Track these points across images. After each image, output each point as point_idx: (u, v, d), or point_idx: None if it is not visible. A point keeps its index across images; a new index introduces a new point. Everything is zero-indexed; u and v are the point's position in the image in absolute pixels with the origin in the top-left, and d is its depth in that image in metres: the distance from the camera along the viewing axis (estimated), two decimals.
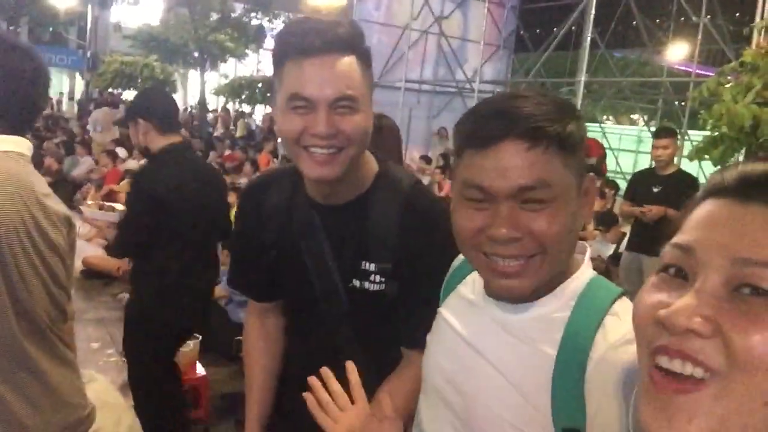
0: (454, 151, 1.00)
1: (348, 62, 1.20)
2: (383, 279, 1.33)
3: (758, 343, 0.53)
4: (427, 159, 10.58)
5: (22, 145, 1.41)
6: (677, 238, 0.62)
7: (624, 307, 0.92)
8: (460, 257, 1.16)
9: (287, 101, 1.21)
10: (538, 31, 15.00)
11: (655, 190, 4.74)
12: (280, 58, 1.23)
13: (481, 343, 1.01)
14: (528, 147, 0.88)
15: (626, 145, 15.52)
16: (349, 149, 1.22)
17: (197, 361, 3.76)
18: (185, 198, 2.77)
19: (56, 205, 1.46)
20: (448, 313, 1.11)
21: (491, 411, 0.97)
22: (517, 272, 0.92)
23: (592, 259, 5.06)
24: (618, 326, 0.89)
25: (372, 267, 1.33)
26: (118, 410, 1.75)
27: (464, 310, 1.07)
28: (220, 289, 4.71)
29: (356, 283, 1.35)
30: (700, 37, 10.79)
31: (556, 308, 0.95)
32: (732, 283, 0.56)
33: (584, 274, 0.98)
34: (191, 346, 3.69)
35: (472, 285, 1.09)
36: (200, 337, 3.82)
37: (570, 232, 0.92)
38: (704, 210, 0.62)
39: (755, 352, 0.53)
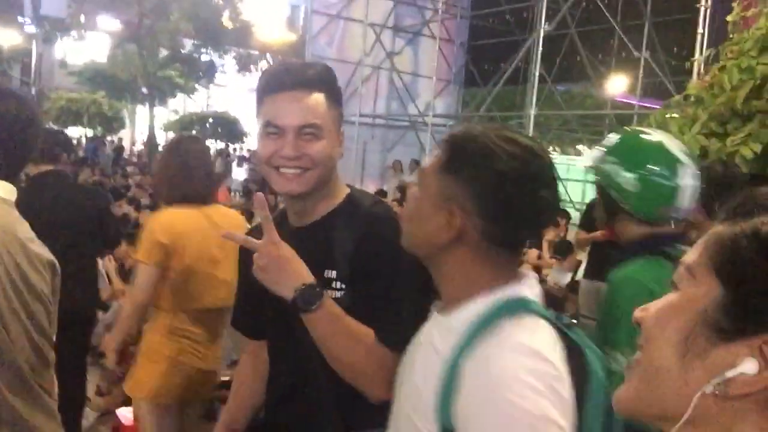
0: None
1: (315, 97, 1.44)
2: (342, 285, 1.44)
3: (654, 320, 0.69)
4: (382, 192, 10.65)
5: (6, 189, 1.39)
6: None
7: (522, 327, 1.01)
8: None
9: (263, 128, 1.45)
10: (486, 66, 15.40)
11: None
12: (260, 95, 1.48)
13: (421, 349, 1.16)
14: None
15: (574, 175, 15.94)
16: (314, 170, 1.43)
17: None
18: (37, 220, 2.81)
19: (40, 249, 1.43)
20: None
21: (404, 411, 1.12)
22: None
23: (550, 287, 5.14)
24: (492, 337, 0.99)
25: (333, 274, 1.44)
26: None
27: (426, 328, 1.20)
28: None
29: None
30: (641, 71, 11.27)
31: (467, 317, 1.05)
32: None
33: (498, 295, 1.07)
34: None
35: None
36: None
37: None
38: None
39: (650, 326, 0.69)
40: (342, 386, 1.37)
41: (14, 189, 1.42)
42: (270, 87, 1.46)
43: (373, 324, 1.37)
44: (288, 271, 1.32)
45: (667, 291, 0.71)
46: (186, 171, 2.66)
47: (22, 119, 1.43)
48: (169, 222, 2.63)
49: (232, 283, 2.14)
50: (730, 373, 0.61)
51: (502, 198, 1.05)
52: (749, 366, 0.61)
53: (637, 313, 0.70)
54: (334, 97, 1.49)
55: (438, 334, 1.10)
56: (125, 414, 3.56)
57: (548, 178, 1.09)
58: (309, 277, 1.33)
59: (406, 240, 1.18)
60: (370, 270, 1.40)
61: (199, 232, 2.62)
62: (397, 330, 1.30)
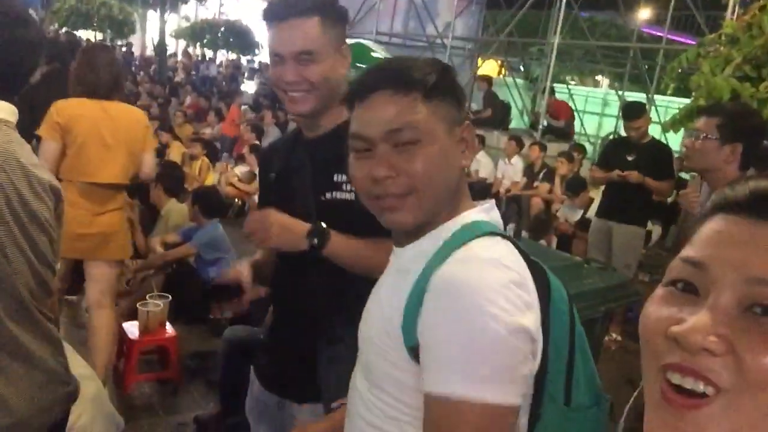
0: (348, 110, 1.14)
1: (309, 23, 1.54)
2: (353, 188, 1.47)
3: None
4: None
5: (7, 110, 1.30)
6: (688, 252, 0.62)
7: (480, 243, 1.00)
8: None
9: (270, 56, 1.61)
10: None
11: (630, 158, 4.76)
12: (267, 25, 1.59)
13: (380, 287, 1.14)
14: (393, 92, 1.02)
15: (592, 108, 15.61)
16: (315, 92, 1.57)
17: (167, 321, 3.69)
18: None
19: (42, 173, 1.36)
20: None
21: (374, 344, 1.06)
22: (397, 207, 1.04)
23: (560, 224, 5.13)
24: (462, 251, 0.98)
25: (343, 177, 1.57)
26: (84, 381, 1.72)
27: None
28: (188, 247, 4.62)
29: (329, 195, 1.60)
30: (673, 1, 10.79)
31: (431, 243, 1.04)
32: (744, 303, 0.57)
33: (468, 217, 1.07)
34: (160, 306, 3.61)
35: None
36: (169, 297, 3.74)
37: (441, 173, 1.04)
38: (715, 225, 0.62)
39: (766, 371, 0.55)
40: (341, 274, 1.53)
41: (15, 110, 1.33)
42: (270, 17, 1.57)
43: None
44: (291, 228, 1.52)
45: None
46: (89, 69, 3.17)
47: (32, 43, 1.33)
48: (65, 106, 3.12)
49: (124, 166, 3.21)
50: None
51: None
52: None
53: (711, 339, 0.58)
54: (332, 19, 1.58)
55: (407, 260, 1.08)
56: (130, 328, 3.59)
57: None
58: (307, 225, 1.52)
59: (429, 209, 1.06)
60: None
61: (92, 118, 3.13)
62: None
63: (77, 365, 1.80)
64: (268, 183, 1.79)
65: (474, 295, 0.92)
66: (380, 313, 1.07)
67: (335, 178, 1.60)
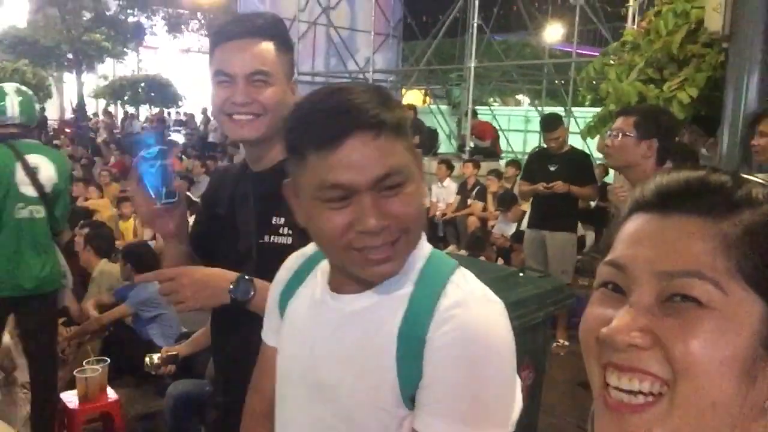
0: (292, 152, 0.99)
1: (264, 45, 1.49)
2: (291, 231, 1.49)
3: (695, 348, 0.56)
4: None
5: None
6: (610, 256, 0.65)
7: (461, 277, 0.99)
8: (291, 263, 1.21)
9: (214, 77, 1.50)
10: (424, 18, 15.17)
11: (552, 168, 4.93)
12: (211, 46, 1.53)
13: (336, 337, 1.02)
14: (374, 136, 0.92)
15: (515, 126, 16.07)
16: (265, 116, 1.49)
17: (107, 386, 3.54)
18: None
19: None
20: (292, 319, 1.13)
21: (358, 399, 0.99)
22: (389, 257, 0.96)
23: (497, 239, 5.27)
24: (455, 292, 0.96)
25: (281, 221, 1.50)
26: None
27: (310, 312, 1.08)
28: (125, 308, 4.47)
29: (267, 238, 1.52)
30: (577, 18, 11.31)
31: (400, 285, 0.99)
32: (662, 296, 0.59)
33: (424, 249, 1.03)
34: (99, 370, 3.47)
35: (313, 286, 1.11)
36: (108, 360, 3.60)
37: (422, 208, 1.01)
38: (630, 226, 0.64)
39: (693, 357, 0.56)
40: None
41: None
42: (220, 37, 1.50)
43: None
44: (211, 284, 1.43)
45: None
46: None
47: None
48: None
49: None
50: None
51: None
52: None
53: (635, 334, 0.59)
54: (284, 45, 1.54)
55: (366, 305, 1.00)
56: (70, 397, 3.44)
57: None
58: (230, 276, 1.43)
59: (417, 240, 1.02)
60: None
61: None
62: None
63: None
64: (214, 216, 1.70)
65: (489, 340, 0.93)
66: (355, 367, 0.99)
67: (273, 221, 1.52)
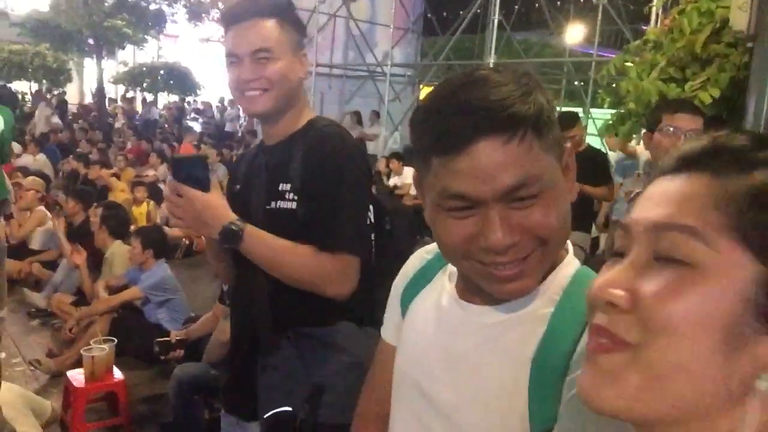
0: (418, 156, 0.87)
1: (265, 23, 1.56)
2: (295, 197, 1.57)
3: (675, 307, 0.52)
4: None
5: None
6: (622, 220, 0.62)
7: None
8: (416, 261, 1.11)
9: (227, 59, 1.60)
10: (444, 14, 15.11)
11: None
12: (224, 32, 1.61)
13: (458, 351, 0.92)
14: (506, 140, 0.79)
15: None
16: (273, 90, 1.57)
17: (113, 366, 3.55)
18: None
19: None
20: (414, 321, 1.03)
21: (475, 421, 0.89)
22: (518, 274, 0.84)
23: None
24: None
25: (287, 186, 1.58)
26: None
27: (436, 318, 0.98)
28: (135, 291, 4.48)
29: (274, 204, 1.59)
30: (599, 18, 11.19)
31: (540, 304, 0.87)
32: (653, 254, 0.56)
33: (570, 265, 0.91)
34: (106, 350, 3.48)
35: (440, 288, 1.00)
36: (115, 340, 3.61)
37: (565, 218, 0.85)
38: (647, 190, 0.62)
39: (670, 320, 0.52)
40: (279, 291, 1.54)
41: None
42: (226, 21, 1.60)
43: (317, 232, 1.52)
44: (205, 219, 1.50)
45: None
46: None
47: None
48: None
49: None
50: None
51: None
52: None
53: (615, 292, 0.56)
54: (288, 20, 1.60)
55: (501, 322, 0.89)
56: (76, 376, 3.45)
57: None
58: (225, 218, 1.50)
59: (556, 252, 0.89)
60: (314, 182, 1.54)
61: None
62: (338, 235, 1.50)
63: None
64: (233, 194, 1.77)
65: None
66: (474, 389, 0.89)
67: (280, 187, 1.59)
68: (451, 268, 1.01)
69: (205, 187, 1.51)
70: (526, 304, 0.88)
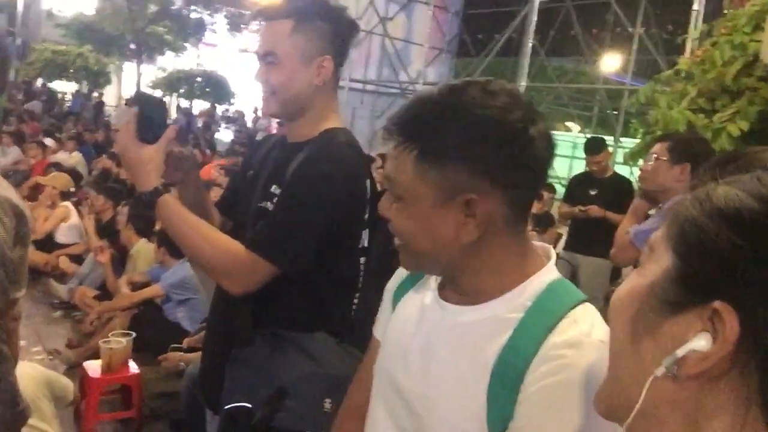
0: None
1: (280, 25, 1.53)
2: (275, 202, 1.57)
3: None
4: (369, 158, 10.55)
5: None
6: None
7: (584, 313, 0.89)
8: None
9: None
10: (480, 36, 15.18)
11: (593, 192, 4.87)
12: None
13: (433, 348, 0.97)
14: (397, 143, 0.93)
15: (562, 151, 15.91)
16: (275, 96, 1.56)
17: (130, 359, 3.61)
18: None
19: (4, 191, 1.35)
20: (399, 318, 1.08)
21: (441, 416, 0.93)
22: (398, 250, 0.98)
23: None
24: (570, 328, 0.86)
25: (278, 191, 1.56)
26: None
27: (417, 316, 1.03)
28: (156, 288, 4.56)
29: (261, 203, 1.59)
30: (634, 47, 11.17)
31: (510, 308, 0.91)
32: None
33: (545, 275, 0.94)
34: (123, 343, 3.55)
35: (426, 288, 1.06)
36: (134, 334, 3.68)
37: (420, 236, 0.93)
38: None
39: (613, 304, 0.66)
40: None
41: None
42: (257, 20, 1.66)
43: (254, 230, 1.54)
44: (140, 174, 1.47)
45: None
46: None
47: None
48: None
49: None
50: (680, 351, 0.55)
51: (515, 152, 0.87)
52: (701, 341, 0.54)
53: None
54: (305, 23, 1.54)
55: (470, 324, 0.94)
56: (93, 366, 3.52)
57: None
58: (150, 183, 1.46)
59: (423, 264, 0.99)
60: (284, 191, 1.54)
61: None
62: (263, 237, 1.48)
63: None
64: (245, 177, 1.76)
65: (588, 387, 0.81)
66: (451, 387, 0.93)
67: (272, 189, 1.58)
68: None
69: (156, 134, 1.48)
70: (498, 306, 0.93)
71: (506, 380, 0.86)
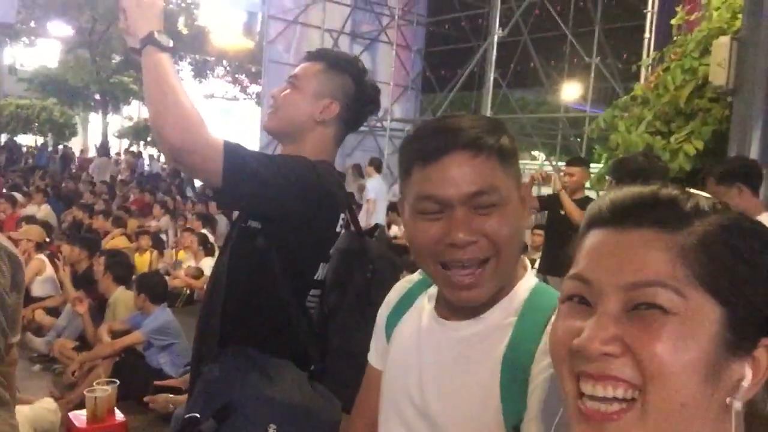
0: (402, 172, 1.05)
1: (313, 64, 1.74)
2: (258, 224, 1.57)
3: (662, 351, 0.61)
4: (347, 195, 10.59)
5: None
6: (573, 270, 0.69)
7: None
8: (399, 289, 1.23)
9: None
10: (443, 72, 15.54)
11: (563, 212, 5.02)
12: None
13: (442, 364, 1.04)
14: (472, 156, 0.97)
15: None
16: (279, 111, 1.71)
17: (115, 407, 3.60)
18: None
19: (1, 240, 1.41)
20: (400, 343, 1.14)
21: (462, 424, 1.00)
22: (473, 283, 0.98)
23: None
24: None
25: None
26: None
27: (418, 336, 1.10)
28: (137, 335, 4.56)
29: (245, 222, 1.60)
30: (592, 76, 11.53)
31: (505, 315, 1.01)
32: (628, 305, 0.64)
33: (528, 281, 1.05)
34: (108, 390, 3.54)
35: (420, 311, 1.13)
36: (117, 382, 3.67)
37: (516, 234, 1.00)
38: (590, 241, 0.69)
39: (661, 361, 0.61)
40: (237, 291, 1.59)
41: None
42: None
43: None
44: (139, 18, 1.46)
45: None
46: None
47: None
48: None
49: None
50: (745, 383, 0.63)
51: None
52: (749, 372, 0.63)
53: (607, 346, 0.64)
54: (333, 70, 1.75)
55: (471, 335, 1.02)
56: (78, 416, 3.50)
57: None
58: (151, 27, 1.44)
59: (509, 266, 1.03)
60: None
61: None
62: (238, 150, 1.42)
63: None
64: None
65: None
66: (459, 395, 1.01)
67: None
68: (431, 291, 1.13)
69: None
70: (494, 315, 1.02)
71: (515, 376, 0.94)
